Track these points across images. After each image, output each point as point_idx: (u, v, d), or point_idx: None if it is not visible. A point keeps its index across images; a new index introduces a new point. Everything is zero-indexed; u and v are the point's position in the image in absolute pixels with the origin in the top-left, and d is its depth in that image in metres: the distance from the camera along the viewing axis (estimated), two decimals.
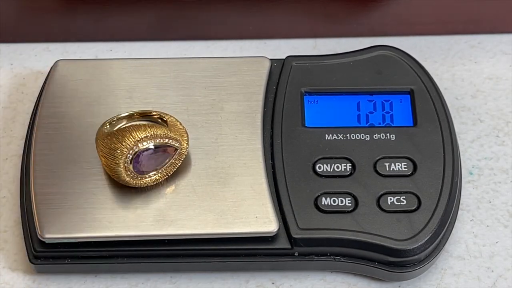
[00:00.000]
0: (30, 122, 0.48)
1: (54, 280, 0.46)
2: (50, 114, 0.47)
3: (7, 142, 0.50)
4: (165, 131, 0.44)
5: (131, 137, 0.43)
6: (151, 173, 0.44)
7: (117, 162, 0.43)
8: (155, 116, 0.46)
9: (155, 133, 0.43)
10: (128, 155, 0.43)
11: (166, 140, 0.44)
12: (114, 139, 0.43)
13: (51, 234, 0.43)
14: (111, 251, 0.44)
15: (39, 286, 0.46)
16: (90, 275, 0.46)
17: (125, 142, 0.43)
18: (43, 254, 0.44)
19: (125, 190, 0.45)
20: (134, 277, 0.46)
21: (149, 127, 0.44)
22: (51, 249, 0.44)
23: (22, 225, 0.45)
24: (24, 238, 0.45)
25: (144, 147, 0.43)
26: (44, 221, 0.44)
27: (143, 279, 0.46)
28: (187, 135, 0.45)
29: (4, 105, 0.52)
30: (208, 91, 0.48)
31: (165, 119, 0.46)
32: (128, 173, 0.44)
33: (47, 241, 0.44)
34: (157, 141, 0.44)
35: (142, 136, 0.43)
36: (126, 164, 0.43)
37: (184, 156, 0.45)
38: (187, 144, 0.45)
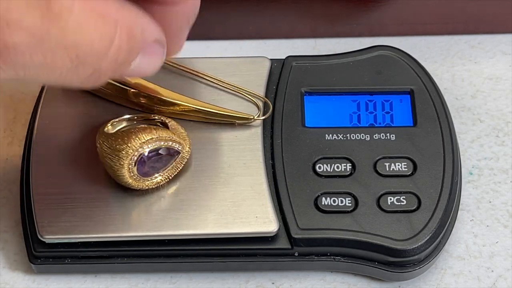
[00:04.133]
0: (30, 122, 0.48)
1: (54, 280, 0.46)
2: (50, 114, 0.47)
3: (8, 142, 0.50)
4: (170, 134, 0.44)
5: (137, 138, 0.43)
6: (153, 176, 0.44)
7: (122, 163, 0.43)
8: (156, 121, 0.46)
9: (160, 135, 0.43)
10: (133, 156, 0.43)
11: (171, 143, 0.44)
12: (119, 140, 0.43)
13: (51, 234, 0.43)
14: (111, 251, 0.44)
15: (39, 286, 0.46)
16: (90, 275, 0.46)
17: (130, 143, 0.43)
18: (43, 254, 0.44)
19: (125, 190, 0.45)
20: (134, 277, 0.46)
21: (154, 129, 0.43)
22: (51, 249, 0.44)
23: (22, 225, 0.45)
24: (24, 238, 0.45)
25: (150, 149, 0.43)
26: (44, 221, 0.44)
27: (143, 279, 0.46)
28: (189, 139, 0.45)
29: (5, 105, 0.52)
30: (208, 91, 0.48)
31: (166, 123, 0.46)
32: (132, 174, 0.43)
33: (47, 241, 0.44)
34: (162, 143, 0.43)
35: (148, 138, 0.43)
36: (130, 166, 0.43)
37: (186, 159, 0.45)
38: (189, 148, 0.45)
